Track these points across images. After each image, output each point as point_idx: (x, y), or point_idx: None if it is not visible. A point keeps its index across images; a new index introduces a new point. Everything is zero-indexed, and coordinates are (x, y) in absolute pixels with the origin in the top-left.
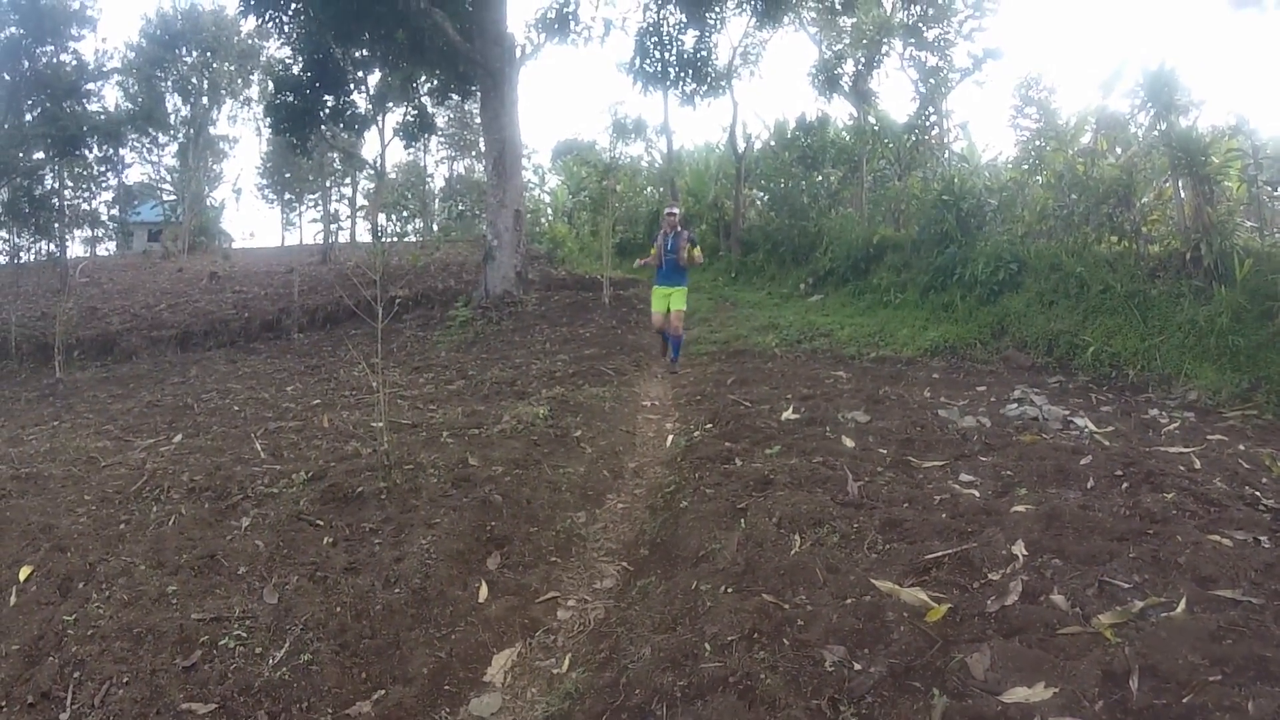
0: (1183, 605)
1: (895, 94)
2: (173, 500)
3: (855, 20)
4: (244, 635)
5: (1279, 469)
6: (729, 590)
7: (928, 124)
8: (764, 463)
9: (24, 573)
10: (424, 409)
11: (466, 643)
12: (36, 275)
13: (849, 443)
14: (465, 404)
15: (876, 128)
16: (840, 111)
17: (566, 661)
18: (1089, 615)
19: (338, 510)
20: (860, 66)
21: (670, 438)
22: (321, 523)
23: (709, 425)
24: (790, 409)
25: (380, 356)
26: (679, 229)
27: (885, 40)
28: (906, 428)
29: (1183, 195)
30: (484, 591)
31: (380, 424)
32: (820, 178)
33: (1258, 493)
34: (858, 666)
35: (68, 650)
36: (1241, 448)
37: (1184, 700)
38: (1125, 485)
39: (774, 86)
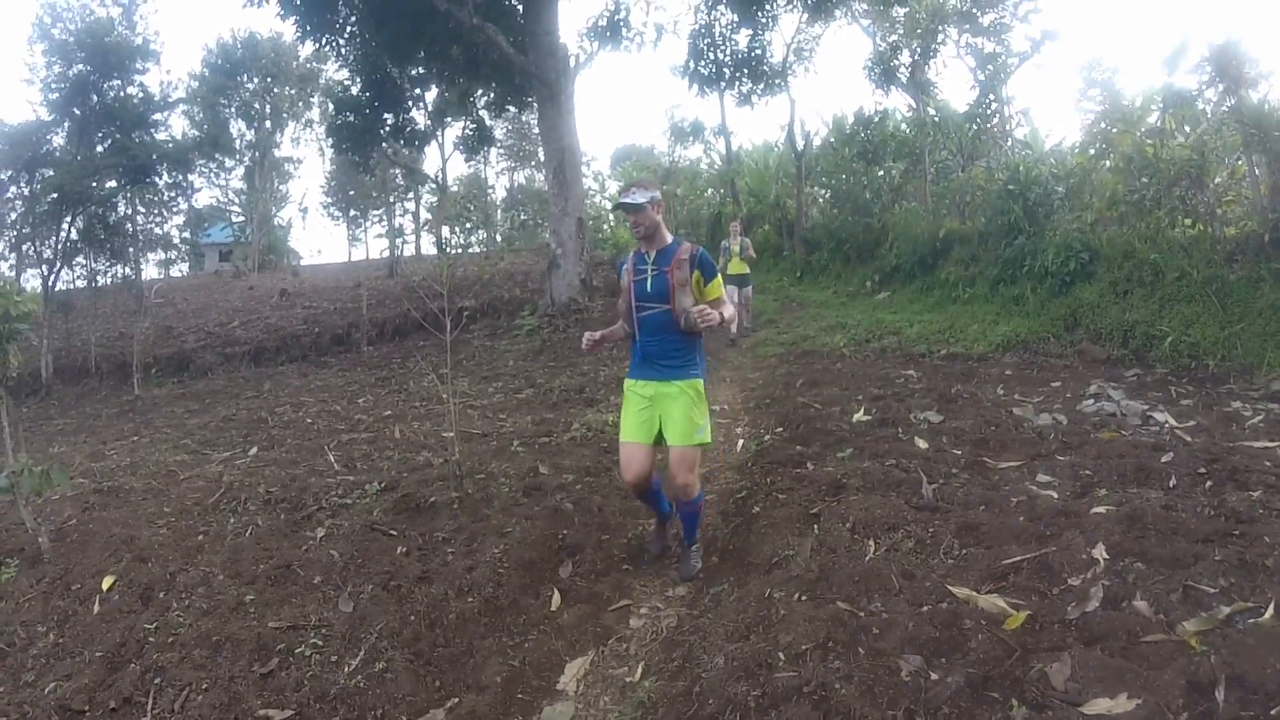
0: (1271, 611)
1: (954, 83)
2: (249, 511)
3: (908, 10)
4: (320, 643)
5: None
6: (802, 598)
7: (988, 112)
8: (836, 466)
9: (107, 582)
10: (493, 418)
11: (539, 651)
12: (114, 297)
13: (922, 444)
14: (534, 412)
15: (936, 119)
16: (899, 104)
17: (639, 670)
18: (1173, 622)
19: (410, 520)
20: (916, 57)
21: (741, 442)
22: (395, 532)
23: (779, 429)
24: (861, 410)
25: (449, 367)
26: (670, 243)
27: (940, 28)
28: (980, 427)
29: (1257, 173)
30: (556, 600)
31: (451, 434)
32: (882, 172)
33: None
34: (935, 676)
35: (149, 657)
36: None
37: (1272, 713)
38: (1209, 483)
39: (830, 82)
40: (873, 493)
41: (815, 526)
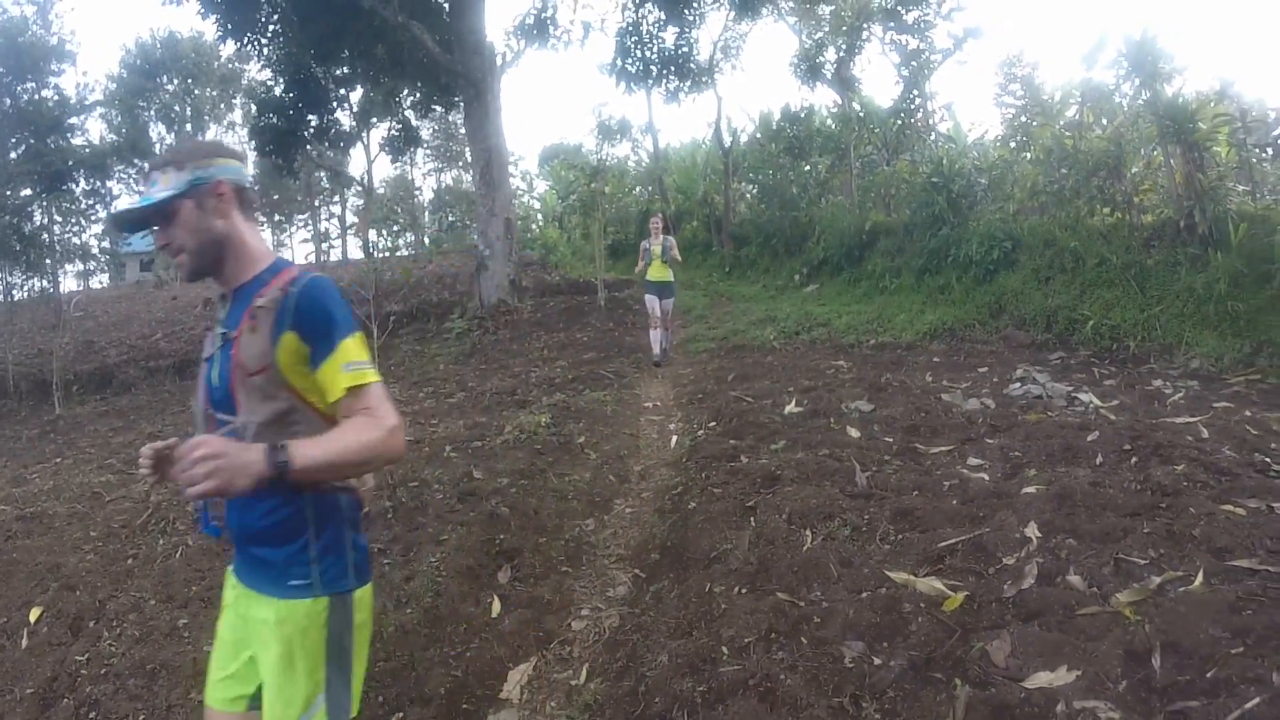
0: (1200, 578)
1: (878, 79)
2: (179, 532)
3: (834, 8)
4: None
5: None
6: (743, 591)
7: (913, 107)
8: (770, 458)
9: (34, 614)
10: (425, 424)
11: (482, 659)
12: (31, 312)
13: (854, 433)
14: (466, 416)
15: (862, 114)
16: (825, 100)
17: (584, 672)
18: (1107, 594)
19: None
20: (841, 53)
21: (674, 438)
22: None
23: (712, 424)
24: (793, 402)
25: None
26: (258, 272)
27: (865, 26)
28: (911, 414)
29: (1173, 163)
30: (496, 606)
31: None
32: (808, 167)
33: (1267, 459)
34: (878, 661)
35: (82, 691)
36: (1248, 414)
37: (1208, 675)
38: (1134, 459)
39: (757, 79)
40: (807, 483)
41: (752, 519)
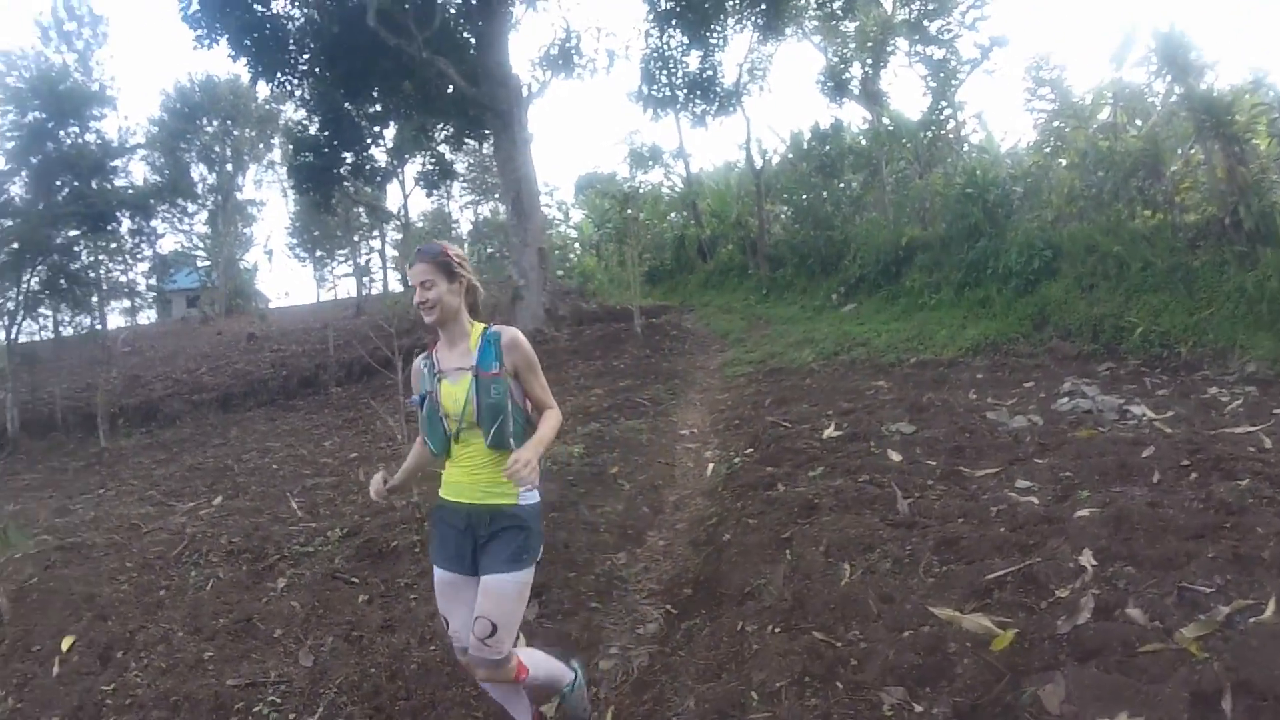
0: (1272, 607)
1: (906, 92)
2: (211, 563)
3: (858, 24)
4: (278, 700)
5: None
6: (776, 630)
7: (942, 118)
8: (808, 486)
9: (66, 643)
10: None
11: None
12: (78, 349)
13: (895, 457)
14: None
15: (891, 128)
16: (854, 116)
17: (609, 716)
18: (1170, 629)
19: (373, 566)
20: (867, 68)
21: (710, 466)
22: (357, 580)
23: (749, 450)
24: (832, 426)
25: (404, 409)
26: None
27: (889, 39)
28: (954, 435)
29: (1213, 159)
30: (521, 644)
31: None
32: (841, 185)
33: None
34: (919, 708)
35: None
36: None
37: None
38: (1194, 475)
39: (785, 99)
40: (846, 511)
41: (788, 551)
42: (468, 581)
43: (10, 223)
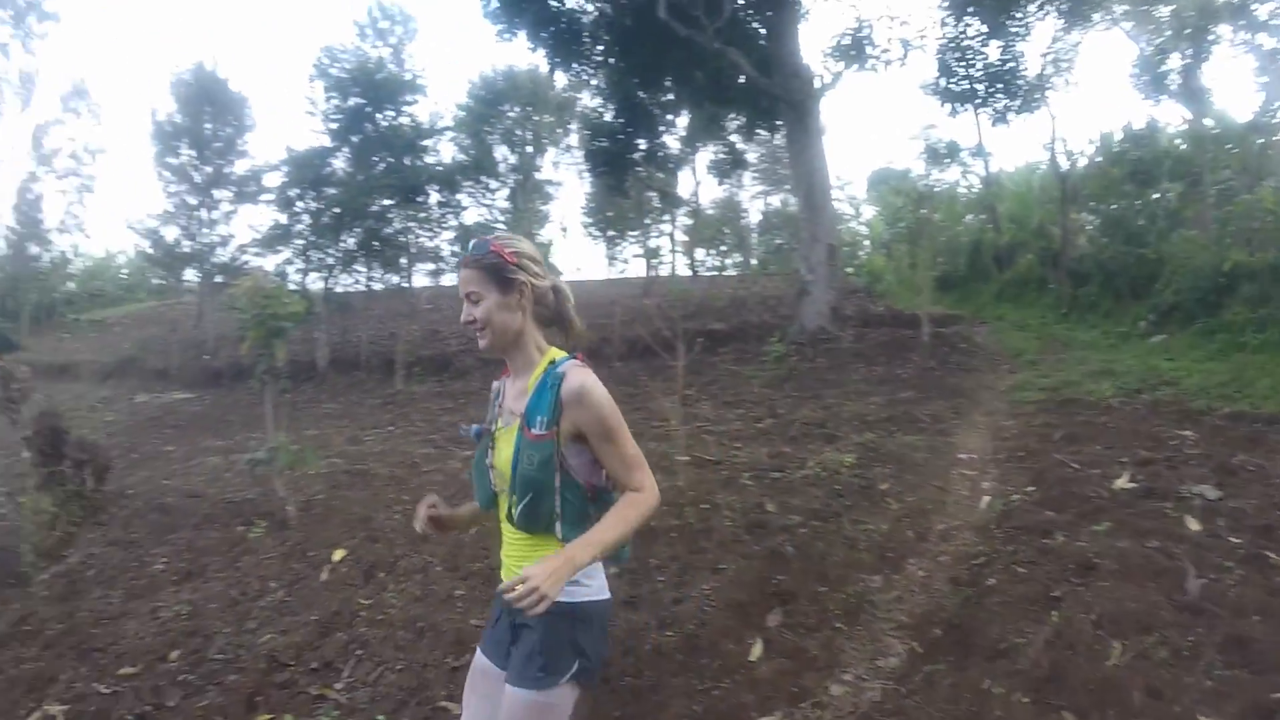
0: None
1: (1233, 89)
2: None
3: (1174, 8)
4: None
5: None
6: (1025, 699)
7: (1275, 122)
8: (1089, 541)
9: (338, 554)
10: (728, 445)
11: (728, 701)
12: (386, 301)
13: (1193, 525)
14: (771, 444)
15: (1215, 131)
16: (1172, 116)
17: None
18: None
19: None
20: (1187, 60)
21: (986, 499)
22: None
23: (1030, 488)
24: (1125, 476)
25: (689, 390)
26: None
27: (1210, 26)
28: (1266, 510)
29: None
30: (758, 649)
31: (685, 458)
32: (1156, 195)
33: None
34: None
35: (357, 630)
36: None
37: None
38: None
39: (1094, 95)
40: (1127, 580)
41: (1054, 613)
42: (498, 675)
43: (334, 191)
